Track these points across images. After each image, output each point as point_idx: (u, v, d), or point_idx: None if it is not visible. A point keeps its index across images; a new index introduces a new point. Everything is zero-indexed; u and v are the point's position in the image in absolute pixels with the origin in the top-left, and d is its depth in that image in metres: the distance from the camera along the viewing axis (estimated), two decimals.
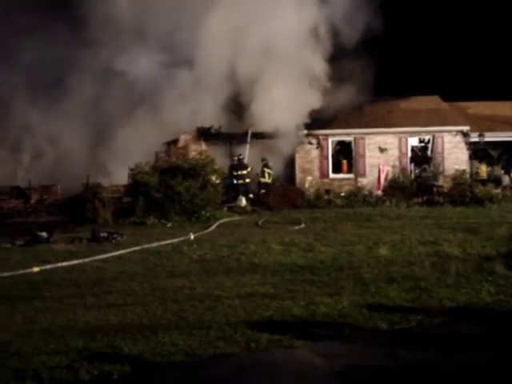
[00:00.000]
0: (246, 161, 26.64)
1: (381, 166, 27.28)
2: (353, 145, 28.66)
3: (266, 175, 26.73)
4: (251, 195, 25.44)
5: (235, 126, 28.07)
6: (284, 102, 26.37)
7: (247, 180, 25.93)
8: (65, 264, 12.36)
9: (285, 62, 26.99)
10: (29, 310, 8.78)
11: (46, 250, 14.69)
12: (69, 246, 15.27)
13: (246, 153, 27.16)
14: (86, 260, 12.81)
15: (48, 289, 10.12)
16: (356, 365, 6.35)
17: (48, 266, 12.08)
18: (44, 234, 16.30)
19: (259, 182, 26.79)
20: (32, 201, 26.00)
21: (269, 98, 26.70)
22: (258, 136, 27.75)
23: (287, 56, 27.11)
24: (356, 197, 25.36)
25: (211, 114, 28.19)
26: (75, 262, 12.59)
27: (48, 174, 27.50)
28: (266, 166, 26.95)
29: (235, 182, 25.88)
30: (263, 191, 26.51)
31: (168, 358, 6.57)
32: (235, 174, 25.85)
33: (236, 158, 26.37)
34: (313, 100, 27.63)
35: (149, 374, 6.29)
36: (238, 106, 28.18)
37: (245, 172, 25.95)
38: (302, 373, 6.18)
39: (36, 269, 11.79)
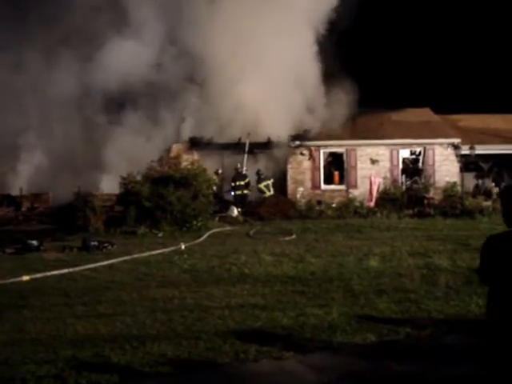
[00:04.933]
0: (244, 171, 26.64)
1: (372, 178, 27.31)
2: (344, 156, 28.74)
3: (265, 189, 26.55)
4: (240, 209, 25.14)
5: (227, 136, 28.08)
6: (277, 112, 26.47)
7: (245, 191, 25.94)
8: (55, 273, 12.34)
9: (278, 72, 27.11)
10: (18, 318, 8.77)
11: (36, 259, 14.65)
12: (59, 255, 15.23)
13: (244, 163, 27.16)
14: (77, 269, 12.79)
15: (37, 298, 10.10)
16: (344, 377, 6.37)
17: (38, 275, 12.05)
18: (34, 243, 16.28)
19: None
20: (23, 209, 25.88)
21: (262, 108, 26.81)
22: (251, 146, 27.79)
23: (281, 65, 27.25)
24: (347, 208, 25.33)
25: (203, 124, 28.23)
26: (65, 270, 12.57)
27: (40, 181, 27.43)
28: (260, 179, 26.82)
29: (232, 193, 25.94)
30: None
31: (156, 369, 6.57)
32: (233, 184, 25.94)
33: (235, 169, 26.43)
34: (306, 111, 27.79)
35: None
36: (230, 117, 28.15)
37: (242, 183, 25.96)
38: None
39: (26, 277, 11.76)
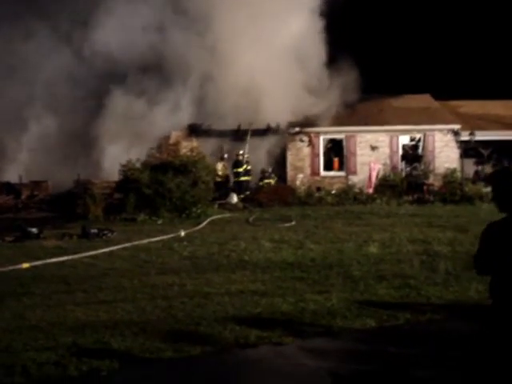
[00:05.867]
0: (245, 158, 26.59)
1: (372, 165, 27.28)
2: (344, 143, 28.70)
3: (266, 186, 26.57)
4: (241, 195, 25.12)
5: (227, 123, 27.99)
6: (277, 98, 26.38)
7: (242, 178, 25.92)
8: (54, 260, 12.34)
9: (279, 57, 27.02)
10: (18, 306, 8.77)
11: (35, 246, 14.65)
12: (59, 242, 15.23)
13: (246, 150, 27.09)
14: (76, 256, 12.79)
15: (37, 285, 10.11)
16: (344, 362, 6.39)
17: (38, 262, 12.06)
18: (34, 230, 16.27)
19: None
20: (23, 196, 25.86)
21: (261, 94, 26.73)
22: (250, 133, 27.73)
23: (282, 46, 27.15)
24: (347, 194, 25.35)
25: (203, 111, 28.15)
26: (65, 258, 12.57)
27: (39, 169, 27.38)
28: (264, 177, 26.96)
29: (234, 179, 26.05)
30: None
31: (157, 355, 6.59)
32: (234, 171, 26.00)
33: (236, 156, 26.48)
34: (305, 97, 27.70)
35: (137, 370, 6.31)
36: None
37: (240, 170, 25.94)
38: (290, 370, 6.21)
39: (25, 265, 11.76)
